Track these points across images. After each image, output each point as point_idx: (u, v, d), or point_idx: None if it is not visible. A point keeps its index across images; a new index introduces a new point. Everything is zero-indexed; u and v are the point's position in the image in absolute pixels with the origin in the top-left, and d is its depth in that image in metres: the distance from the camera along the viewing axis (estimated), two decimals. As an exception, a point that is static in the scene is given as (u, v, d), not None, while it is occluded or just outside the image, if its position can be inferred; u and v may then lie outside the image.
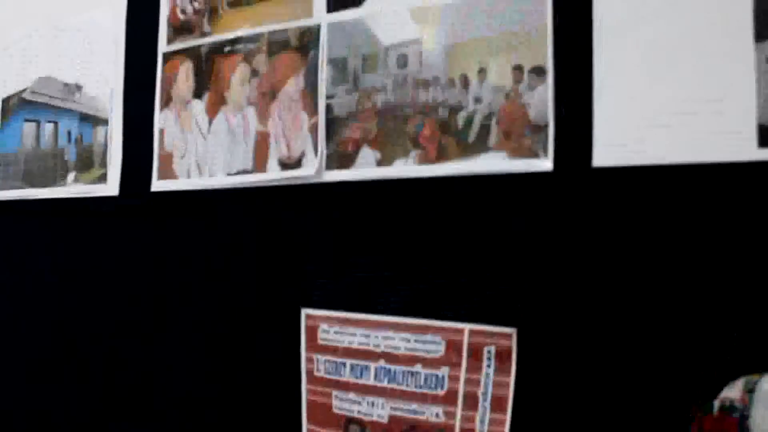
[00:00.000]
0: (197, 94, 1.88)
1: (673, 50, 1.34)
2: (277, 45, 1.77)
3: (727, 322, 1.26)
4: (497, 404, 1.44)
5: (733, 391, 1.16)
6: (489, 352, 1.46)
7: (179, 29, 1.94)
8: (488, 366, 1.45)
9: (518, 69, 1.47)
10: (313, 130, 1.69)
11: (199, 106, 1.88)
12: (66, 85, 2.15)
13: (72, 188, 2.11)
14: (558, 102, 1.44)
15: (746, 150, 1.28)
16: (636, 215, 1.35)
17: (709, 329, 1.27)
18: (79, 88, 2.13)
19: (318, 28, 1.71)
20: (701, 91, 1.31)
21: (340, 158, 1.66)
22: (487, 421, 1.44)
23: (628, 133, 1.37)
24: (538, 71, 1.45)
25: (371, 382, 1.58)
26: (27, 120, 2.21)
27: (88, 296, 2.08)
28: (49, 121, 2.18)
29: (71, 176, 2.12)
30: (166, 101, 1.94)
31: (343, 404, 1.62)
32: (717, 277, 1.27)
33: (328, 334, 1.65)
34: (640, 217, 1.35)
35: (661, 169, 1.34)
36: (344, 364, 1.62)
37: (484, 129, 1.50)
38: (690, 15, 1.33)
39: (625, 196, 1.37)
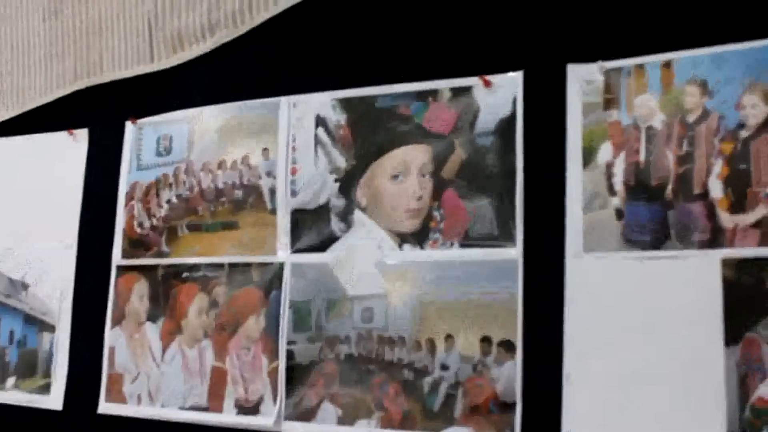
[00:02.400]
0: (152, 318, 1.90)
1: (644, 351, 1.39)
2: (238, 279, 1.80)
3: None
4: None
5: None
6: None
7: (135, 243, 1.96)
8: None
9: (486, 341, 1.51)
10: (273, 375, 1.71)
11: (153, 331, 1.89)
12: (11, 281, 2.15)
13: (11, 394, 2.09)
14: (526, 381, 1.48)
15: (718, 461, 1.32)
16: None
17: None
18: (25, 286, 2.13)
19: (281, 268, 1.74)
20: (672, 395, 1.36)
21: (301, 410, 1.67)
22: None
23: (597, 428, 1.41)
24: (507, 346, 1.49)
25: None
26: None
27: None
28: (-9, 317, 2.17)
29: (11, 381, 2.11)
30: (119, 318, 1.95)
31: None
32: None
33: None
34: None
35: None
36: None
37: (450, 398, 1.53)
38: (662, 317, 1.39)
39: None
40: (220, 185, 1.86)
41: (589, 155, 1.48)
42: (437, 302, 1.57)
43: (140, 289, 1.93)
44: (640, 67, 1.46)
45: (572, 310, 1.45)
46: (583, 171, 1.48)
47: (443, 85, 1.62)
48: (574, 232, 1.47)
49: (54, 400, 2.02)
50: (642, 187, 1.44)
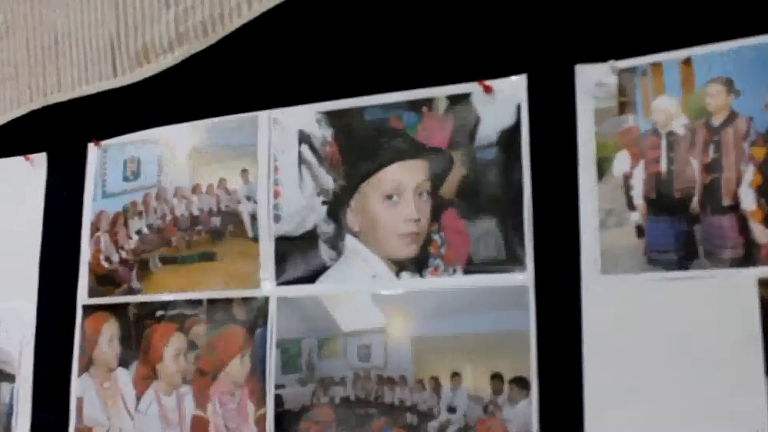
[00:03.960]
0: (124, 363, 1.91)
1: (674, 384, 1.39)
2: (218, 316, 1.81)
3: None
4: None
5: None
6: None
7: (103, 280, 1.97)
8: None
9: (497, 378, 1.52)
10: (261, 423, 1.72)
11: (125, 377, 1.90)
12: (-35, 326, 2.16)
13: (-31, 454, 2.09)
14: (544, 422, 1.47)
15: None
16: None
17: None
18: (-19, 332, 2.14)
19: (266, 302, 1.75)
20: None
21: (293, 463, 1.68)
22: None
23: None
24: (521, 383, 1.50)
25: None
26: None
27: None
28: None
29: (-32, 439, 2.10)
30: (87, 365, 1.95)
31: None
32: None
33: None
34: None
35: None
36: None
37: (460, 445, 1.53)
38: (693, 345, 1.38)
39: None
40: (196, 212, 1.87)
41: (603, 166, 1.49)
42: (441, 336, 1.57)
43: (110, 330, 1.93)
44: (657, 65, 1.47)
45: (591, 340, 1.45)
46: (598, 184, 1.49)
47: (438, 92, 1.63)
48: (590, 253, 1.47)
49: (16, 459, 2.01)
50: (664, 200, 1.44)
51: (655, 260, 1.43)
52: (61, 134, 2.11)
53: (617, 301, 1.45)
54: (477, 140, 1.59)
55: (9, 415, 2.06)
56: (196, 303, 1.84)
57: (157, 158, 1.95)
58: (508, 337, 1.51)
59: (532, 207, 1.53)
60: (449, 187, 1.61)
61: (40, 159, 2.13)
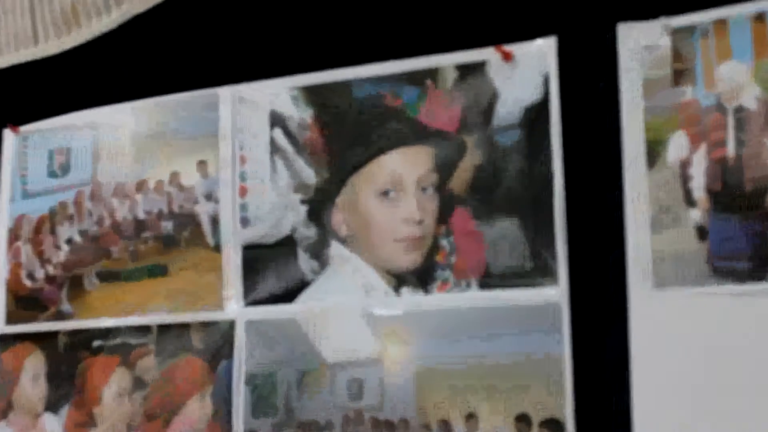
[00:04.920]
0: (52, 406, 1.91)
1: (748, 425, 1.39)
2: (171, 345, 1.81)
3: None
4: None
5: None
6: None
7: (25, 302, 1.97)
8: None
9: (524, 420, 1.51)
10: (227, 479, 1.72)
11: (54, 425, 1.89)
12: None
13: None
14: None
15: None
16: None
17: None
18: None
19: (231, 327, 1.75)
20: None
21: None
22: None
23: None
24: (553, 426, 1.49)
25: None
26: None
27: None
28: None
29: None
30: (5, 410, 1.95)
31: None
32: None
33: None
34: None
35: None
36: None
37: (478, 504, 1.54)
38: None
39: None
40: (141, 215, 1.88)
41: (655, 152, 1.49)
42: (451, 368, 1.57)
43: (34, 366, 1.94)
44: (721, 23, 1.47)
45: (641, 370, 1.45)
46: (648, 174, 1.48)
47: (445, 61, 1.63)
48: (638, 262, 1.47)
49: None
50: (732, 194, 1.44)
51: (721, 270, 1.43)
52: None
53: (674, 322, 1.45)
54: (494, 121, 1.59)
55: None
56: (144, 330, 1.84)
57: (91, 148, 1.95)
58: (536, 368, 1.51)
59: (564, 204, 1.53)
60: (460, 179, 1.61)
61: (-57, 150, 2.13)
